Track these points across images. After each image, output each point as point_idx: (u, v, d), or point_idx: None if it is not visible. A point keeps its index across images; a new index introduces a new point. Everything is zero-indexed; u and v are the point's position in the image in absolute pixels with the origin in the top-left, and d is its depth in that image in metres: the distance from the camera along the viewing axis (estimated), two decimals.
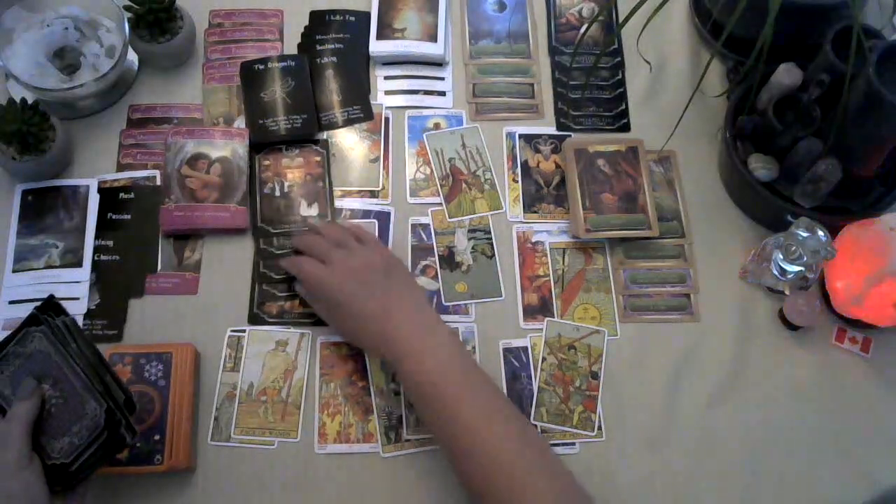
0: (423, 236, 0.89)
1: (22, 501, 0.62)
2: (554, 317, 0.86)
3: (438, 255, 0.88)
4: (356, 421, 0.80)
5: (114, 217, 0.88)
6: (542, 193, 0.92)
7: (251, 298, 0.85)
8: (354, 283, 0.77)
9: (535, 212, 0.91)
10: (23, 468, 0.63)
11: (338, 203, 0.90)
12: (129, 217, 0.88)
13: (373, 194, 0.91)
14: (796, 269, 0.82)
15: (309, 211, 0.89)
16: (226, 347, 0.83)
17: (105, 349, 0.78)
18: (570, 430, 0.81)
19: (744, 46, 0.87)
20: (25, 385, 0.67)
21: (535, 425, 0.79)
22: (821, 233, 0.80)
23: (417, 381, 0.72)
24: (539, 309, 0.86)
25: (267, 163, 0.91)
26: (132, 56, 0.95)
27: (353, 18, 0.99)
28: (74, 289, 0.84)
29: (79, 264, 0.85)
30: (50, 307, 0.69)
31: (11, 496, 0.63)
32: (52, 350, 0.68)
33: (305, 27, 0.99)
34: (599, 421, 0.82)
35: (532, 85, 0.98)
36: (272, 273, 0.86)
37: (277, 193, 0.90)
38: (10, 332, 0.70)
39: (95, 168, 0.90)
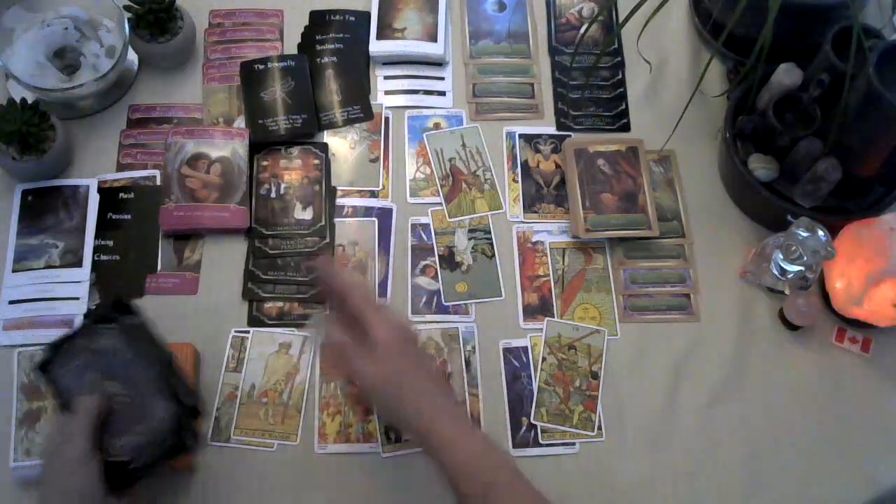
0: (423, 236, 0.89)
1: (76, 497, 0.62)
2: (554, 317, 0.86)
3: (438, 255, 0.88)
4: (356, 421, 0.80)
5: (114, 217, 0.88)
6: (542, 193, 0.92)
7: (249, 301, 0.85)
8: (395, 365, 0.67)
9: (535, 212, 0.91)
10: (83, 464, 0.63)
11: (337, 202, 0.90)
12: (129, 217, 0.88)
13: (373, 194, 0.91)
14: (796, 269, 0.82)
15: (304, 214, 0.89)
16: (229, 348, 0.83)
17: None
18: (570, 430, 0.81)
19: (744, 46, 0.87)
20: (92, 381, 0.66)
21: None
22: (821, 233, 0.80)
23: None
24: (539, 309, 0.86)
25: (265, 163, 0.91)
26: (132, 56, 0.95)
27: (353, 18, 0.99)
28: (74, 289, 0.84)
29: (79, 264, 0.85)
30: (120, 306, 0.69)
31: (68, 492, 0.62)
32: (123, 348, 0.67)
33: (305, 27, 0.99)
34: (599, 421, 0.82)
35: (532, 85, 0.98)
36: (260, 273, 0.86)
37: (273, 195, 0.90)
38: (75, 328, 0.69)
39: (95, 168, 0.90)
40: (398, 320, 0.69)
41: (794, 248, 0.81)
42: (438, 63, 0.98)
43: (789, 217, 0.83)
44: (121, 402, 0.67)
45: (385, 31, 0.98)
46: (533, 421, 0.81)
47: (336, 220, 0.89)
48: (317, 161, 0.92)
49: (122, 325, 0.68)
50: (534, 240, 0.89)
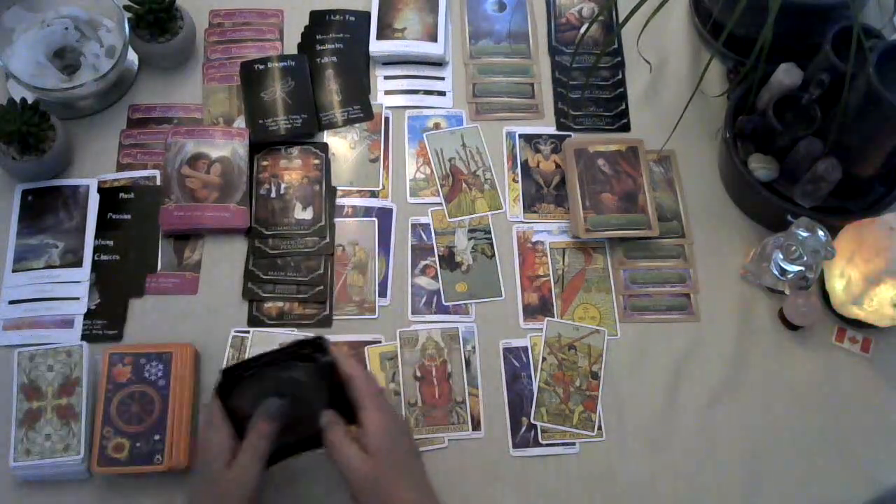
0: (423, 236, 0.89)
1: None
2: (554, 317, 0.86)
3: (438, 255, 0.88)
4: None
5: (114, 217, 0.88)
6: (542, 193, 0.92)
7: (249, 301, 0.85)
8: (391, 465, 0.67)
9: (535, 212, 0.91)
10: (251, 485, 0.65)
11: (337, 202, 0.90)
12: (129, 217, 0.88)
13: (373, 194, 0.91)
14: (796, 269, 0.82)
15: (304, 214, 0.89)
16: (229, 348, 0.83)
17: (105, 349, 0.78)
18: (570, 430, 0.81)
19: (744, 46, 0.87)
20: (272, 404, 0.67)
21: None
22: (821, 233, 0.80)
23: None
24: (539, 309, 0.86)
25: (265, 163, 0.91)
26: (132, 56, 0.95)
27: (353, 18, 0.99)
28: (74, 289, 0.84)
29: (79, 264, 0.85)
30: (317, 345, 0.70)
31: (224, 497, 0.65)
32: (309, 382, 0.69)
33: (305, 27, 0.99)
34: (599, 421, 0.82)
35: (532, 85, 0.98)
36: (260, 273, 0.86)
37: (273, 195, 0.90)
38: (271, 352, 0.70)
39: (95, 168, 0.90)
40: (391, 409, 0.70)
41: (794, 248, 0.81)
42: (438, 63, 0.98)
43: (789, 217, 0.83)
44: (289, 415, 0.68)
45: (385, 31, 0.98)
46: (533, 421, 0.81)
47: (336, 220, 0.89)
48: (317, 161, 0.92)
49: (317, 362, 0.69)
50: (534, 240, 0.89)
